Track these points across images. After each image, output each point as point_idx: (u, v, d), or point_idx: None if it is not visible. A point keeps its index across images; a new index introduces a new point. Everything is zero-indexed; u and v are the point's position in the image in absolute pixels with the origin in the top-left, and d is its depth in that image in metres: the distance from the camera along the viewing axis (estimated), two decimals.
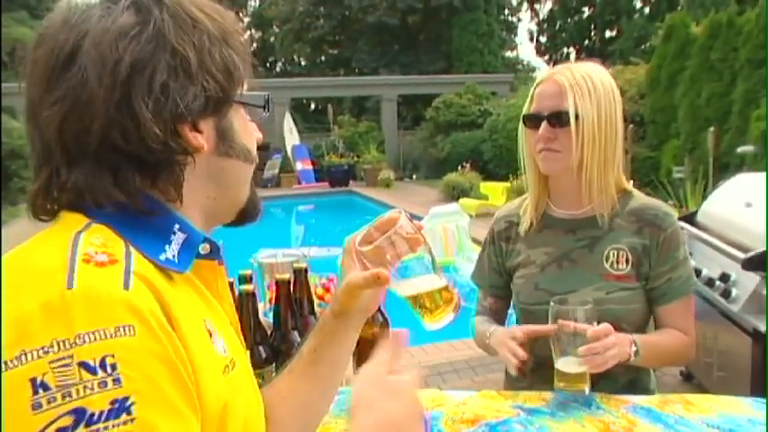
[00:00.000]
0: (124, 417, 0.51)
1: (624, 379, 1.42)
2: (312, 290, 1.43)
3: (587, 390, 1.25)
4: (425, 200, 11.35)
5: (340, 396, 1.32)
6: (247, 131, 0.74)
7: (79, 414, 0.49)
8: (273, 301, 1.33)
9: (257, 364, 1.21)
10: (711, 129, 6.74)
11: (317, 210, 13.40)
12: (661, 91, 8.92)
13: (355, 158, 14.97)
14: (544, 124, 1.36)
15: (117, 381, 0.51)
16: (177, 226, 0.66)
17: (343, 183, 14.58)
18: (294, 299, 1.30)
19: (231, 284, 1.33)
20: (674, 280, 1.41)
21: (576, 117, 1.33)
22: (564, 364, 1.23)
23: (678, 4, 19.06)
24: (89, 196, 0.62)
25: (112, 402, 0.50)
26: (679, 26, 8.73)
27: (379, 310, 1.29)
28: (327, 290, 2.19)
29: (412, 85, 17.59)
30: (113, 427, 0.50)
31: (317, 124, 19.15)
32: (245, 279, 1.27)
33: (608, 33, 23.23)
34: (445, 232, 6.11)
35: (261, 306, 1.76)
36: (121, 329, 0.53)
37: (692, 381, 3.26)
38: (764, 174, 3.19)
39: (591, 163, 1.35)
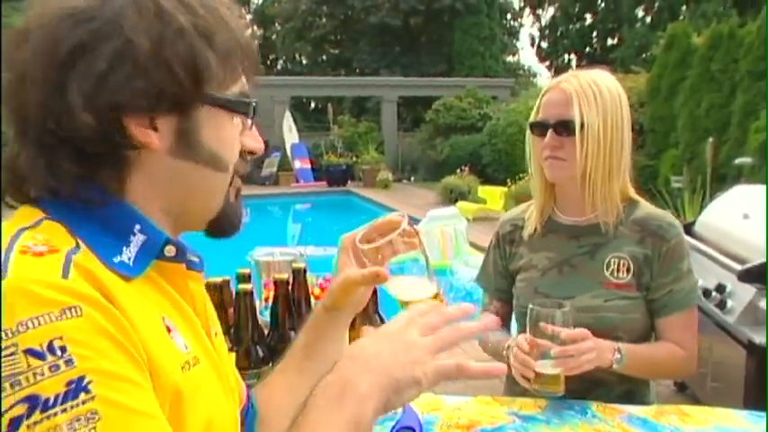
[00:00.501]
0: (83, 396, 0.50)
1: (620, 389, 1.42)
2: (309, 289, 1.42)
3: (561, 391, 1.25)
4: (423, 202, 11.35)
5: None
6: (221, 137, 0.68)
7: (32, 401, 0.49)
8: (271, 301, 1.32)
9: (254, 363, 1.20)
10: (710, 139, 6.77)
11: (315, 209, 13.40)
12: (661, 100, 8.94)
13: (354, 159, 14.97)
14: (550, 132, 1.37)
15: (69, 362, 0.50)
16: (138, 227, 0.64)
17: (342, 182, 14.58)
18: (292, 299, 1.29)
19: (227, 282, 1.32)
20: (675, 292, 1.39)
21: (582, 126, 1.33)
22: (541, 365, 1.23)
23: (680, 14, 19.15)
24: (29, 181, 0.62)
25: (68, 384, 0.50)
26: (680, 36, 8.76)
27: (377, 312, 1.29)
28: (324, 290, 2.18)
29: (412, 87, 17.60)
30: (73, 408, 0.49)
31: (316, 123, 19.14)
32: (243, 278, 1.27)
33: (609, 41, 23.30)
34: (443, 235, 6.11)
35: (257, 304, 1.76)
36: (67, 311, 0.52)
37: (686, 391, 3.27)
38: (763, 186, 3.20)
39: (595, 171, 1.35)
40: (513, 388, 1.53)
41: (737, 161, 6.50)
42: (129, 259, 0.62)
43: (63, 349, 0.50)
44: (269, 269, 2.13)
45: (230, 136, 0.69)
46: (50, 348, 0.50)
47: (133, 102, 0.60)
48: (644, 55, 18.34)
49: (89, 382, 0.50)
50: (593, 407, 1.28)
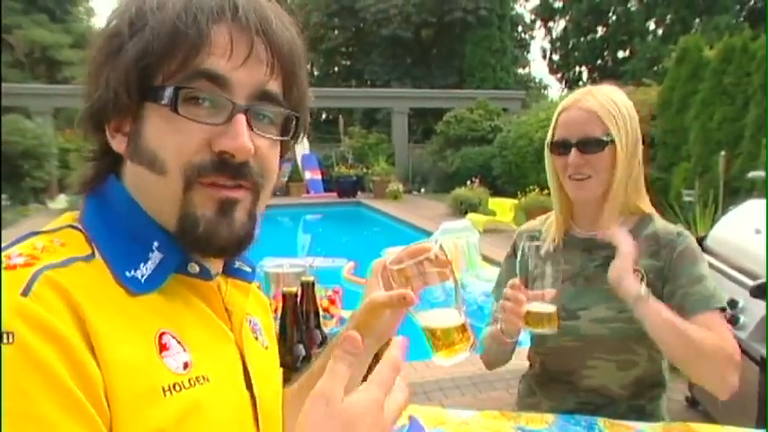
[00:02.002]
0: None
1: (632, 404, 1.42)
2: (318, 302, 1.43)
3: (555, 329, 1.24)
4: (433, 213, 11.35)
5: None
6: (165, 134, 0.63)
7: None
8: (280, 313, 1.33)
9: None
10: (723, 153, 6.73)
11: (325, 220, 13.43)
12: (673, 113, 8.91)
13: (364, 170, 15.01)
14: (573, 151, 1.36)
15: None
16: (156, 243, 0.64)
17: (352, 194, 14.62)
18: (300, 312, 1.30)
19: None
20: (690, 294, 1.33)
21: (608, 142, 1.34)
22: (534, 305, 1.23)
23: (692, 26, 19.10)
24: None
25: None
26: (692, 49, 8.73)
27: None
28: (333, 302, 2.19)
29: (423, 99, 17.66)
30: None
31: (327, 134, 19.23)
32: None
33: (621, 54, 23.27)
34: (456, 248, 6.09)
35: None
36: (3, 336, 0.51)
37: (698, 407, 3.23)
38: None
39: (618, 186, 1.37)
40: (525, 401, 1.53)
41: (750, 175, 6.45)
42: (143, 276, 0.63)
43: None
44: (278, 281, 2.15)
45: (172, 132, 0.62)
46: None
47: (98, 108, 0.64)
48: (655, 68, 18.30)
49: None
50: (600, 423, 1.28)
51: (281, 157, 0.72)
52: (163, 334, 0.62)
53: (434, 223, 9.72)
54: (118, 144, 0.65)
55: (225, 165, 0.63)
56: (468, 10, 20.04)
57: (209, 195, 0.63)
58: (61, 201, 11.98)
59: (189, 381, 0.62)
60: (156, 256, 0.64)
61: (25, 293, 0.53)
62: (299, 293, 1.32)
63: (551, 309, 1.23)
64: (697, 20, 19.92)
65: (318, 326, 1.35)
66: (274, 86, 0.66)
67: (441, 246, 0.83)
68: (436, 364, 0.85)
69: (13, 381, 0.50)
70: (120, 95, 0.62)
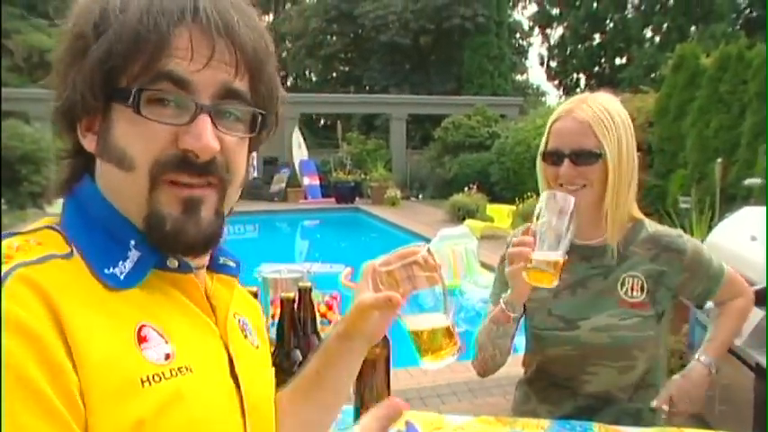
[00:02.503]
0: None
1: (630, 408, 1.43)
2: (315, 307, 1.44)
3: (553, 282, 1.20)
4: (431, 219, 11.36)
5: (340, 416, 1.33)
6: (132, 133, 0.64)
7: None
8: (277, 318, 1.34)
9: None
10: (719, 160, 6.75)
11: (323, 225, 13.44)
12: (669, 120, 8.94)
13: (362, 176, 15.03)
14: (566, 162, 1.36)
15: None
16: (133, 242, 0.66)
17: (350, 199, 14.63)
18: (298, 317, 1.31)
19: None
20: (711, 277, 1.48)
21: (601, 155, 1.34)
22: (539, 254, 1.19)
23: (688, 34, 19.20)
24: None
25: None
26: (689, 57, 8.78)
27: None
28: (330, 307, 2.20)
29: (421, 105, 17.70)
30: None
31: (325, 140, 19.28)
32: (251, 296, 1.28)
33: (618, 61, 23.36)
34: (454, 255, 6.10)
35: (264, 320, 1.77)
36: None
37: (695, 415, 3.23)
38: None
39: (610, 197, 1.37)
40: (521, 407, 1.54)
41: (746, 182, 6.47)
42: (122, 273, 0.65)
43: None
44: (276, 286, 2.15)
45: (139, 132, 0.64)
46: None
47: (68, 107, 0.65)
48: (652, 75, 18.37)
49: None
50: (595, 428, 1.29)
51: (250, 152, 0.75)
52: (143, 327, 0.64)
53: (432, 229, 9.73)
54: (89, 143, 0.67)
55: (189, 163, 0.65)
56: (466, 17, 20.11)
57: (174, 194, 0.65)
58: (59, 205, 11.94)
59: (170, 371, 0.63)
60: (133, 254, 0.65)
61: None
62: (297, 299, 1.33)
63: (557, 257, 1.18)
64: (693, 28, 20.03)
65: (315, 331, 1.36)
66: (240, 85, 0.68)
67: (429, 249, 0.83)
68: (423, 368, 0.86)
69: None
70: (86, 97, 0.64)
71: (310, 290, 1.34)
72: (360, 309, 0.83)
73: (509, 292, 1.36)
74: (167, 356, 0.64)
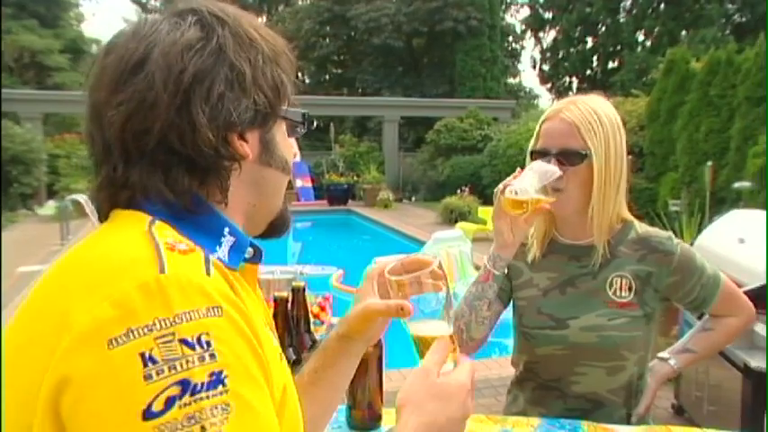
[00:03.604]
0: (220, 388, 0.55)
1: (622, 412, 1.44)
2: (308, 307, 1.45)
3: (524, 213, 1.32)
4: (423, 222, 11.39)
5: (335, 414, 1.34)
6: (286, 144, 0.78)
7: (185, 384, 0.54)
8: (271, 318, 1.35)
9: None
10: (709, 163, 6.82)
11: (315, 227, 13.43)
12: (660, 124, 9.02)
13: (355, 178, 15.04)
14: (553, 161, 1.37)
15: (213, 356, 0.56)
16: (227, 229, 0.70)
17: (342, 201, 14.63)
18: (291, 316, 1.32)
19: None
20: (705, 285, 1.45)
21: (586, 156, 1.35)
22: (518, 183, 1.31)
23: (679, 39, 19.36)
24: (141, 193, 0.67)
25: (210, 375, 0.55)
26: (679, 61, 8.86)
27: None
28: (323, 308, 2.21)
29: (414, 108, 17.74)
30: (211, 396, 0.55)
31: (318, 142, 19.26)
32: None
33: (610, 64, 23.51)
34: (448, 257, 6.11)
35: None
36: (212, 310, 0.58)
37: (684, 415, 3.27)
38: (759, 211, 3.24)
39: (596, 199, 1.38)
40: (512, 407, 1.55)
41: (736, 185, 6.55)
42: (224, 256, 0.69)
43: (209, 344, 0.56)
44: (269, 287, 2.16)
45: (289, 143, 0.79)
46: (199, 341, 0.56)
47: (241, 119, 0.69)
48: (644, 79, 18.51)
49: (225, 377, 0.56)
50: (584, 426, 1.30)
51: None
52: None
53: (424, 232, 9.75)
54: (246, 150, 0.71)
55: None
56: (458, 20, 20.19)
57: None
58: (50, 207, 11.89)
59: (279, 354, 0.73)
60: (228, 240, 0.70)
61: (208, 274, 0.61)
62: (290, 298, 1.34)
63: (534, 195, 1.30)
64: (684, 32, 20.20)
65: (309, 330, 1.37)
66: None
67: (440, 262, 0.85)
68: None
69: (229, 345, 0.58)
70: (271, 106, 0.72)
71: (304, 289, 1.35)
72: (366, 313, 0.86)
73: (493, 246, 1.40)
74: (274, 341, 0.72)
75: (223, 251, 0.69)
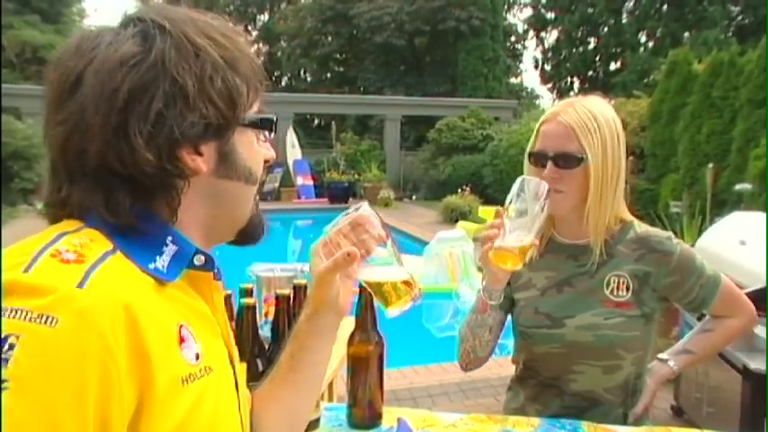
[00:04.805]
0: None
1: (619, 411, 1.44)
2: None
3: (517, 266, 1.24)
4: (424, 221, 11.38)
5: (331, 412, 1.34)
6: (252, 152, 0.74)
7: None
8: (273, 315, 1.35)
9: (254, 376, 1.22)
10: (710, 165, 6.82)
11: (316, 225, 13.40)
12: (662, 125, 9.01)
13: (356, 176, 15.03)
14: (549, 164, 1.38)
15: (5, 361, 0.51)
16: (170, 238, 0.68)
17: (343, 200, 14.61)
18: (293, 313, 1.32)
19: (229, 297, 1.35)
20: (704, 285, 1.45)
21: (582, 159, 1.35)
22: (508, 237, 1.21)
23: (682, 40, 19.33)
24: (78, 213, 0.65)
25: None
26: (682, 63, 8.85)
27: (375, 328, 1.31)
28: None
29: (416, 107, 17.72)
30: None
31: (319, 140, 19.25)
32: (246, 292, 1.29)
33: (612, 65, 23.47)
34: (451, 257, 6.10)
35: (258, 318, 1.78)
36: (44, 318, 0.53)
37: (683, 416, 3.27)
38: (760, 213, 3.24)
39: (593, 201, 1.38)
40: (511, 406, 1.56)
41: (737, 187, 6.54)
42: (163, 266, 0.66)
43: (11, 347, 0.52)
44: (269, 284, 2.15)
45: (257, 150, 0.76)
46: (3, 341, 0.52)
47: (186, 135, 0.65)
48: (646, 80, 18.47)
49: (3, 389, 0.51)
50: (585, 426, 1.30)
51: None
52: (181, 326, 0.66)
53: (425, 231, 9.75)
54: (199, 165, 0.68)
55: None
56: (461, 19, 20.16)
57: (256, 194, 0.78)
58: None
59: (200, 371, 0.67)
60: (170, 249, 0.68)
61: (80, 286, 0.57)
62: (292, 296, 1.34)
63: (522, 242, 1.21)
64: (686, 34, 20.17)
65: None
66: None
67: (367, 206, 0.89)
68: (388, 316, 0.92)
69: (39, 361, 0.52)
70: (225, 117, 0.68)
71: (305, 287, 1.35)
72: (321, 278, 0.86)
73: (485, 280, 1.39)
74: (197, 356, 0.67)
75: (162, 261, 0.66)
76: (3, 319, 0.53)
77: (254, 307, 1.25)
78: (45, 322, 0.53)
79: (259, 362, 1.24)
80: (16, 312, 0.53)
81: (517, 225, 1.22)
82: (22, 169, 12.22)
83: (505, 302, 1.54)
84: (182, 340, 0.65)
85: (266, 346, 1.30)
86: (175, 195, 0.67)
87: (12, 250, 0.60)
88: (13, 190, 12.15)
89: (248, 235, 0.78)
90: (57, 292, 0.55)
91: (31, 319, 0.53)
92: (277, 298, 1.30)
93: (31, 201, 12.67)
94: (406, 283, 0.90)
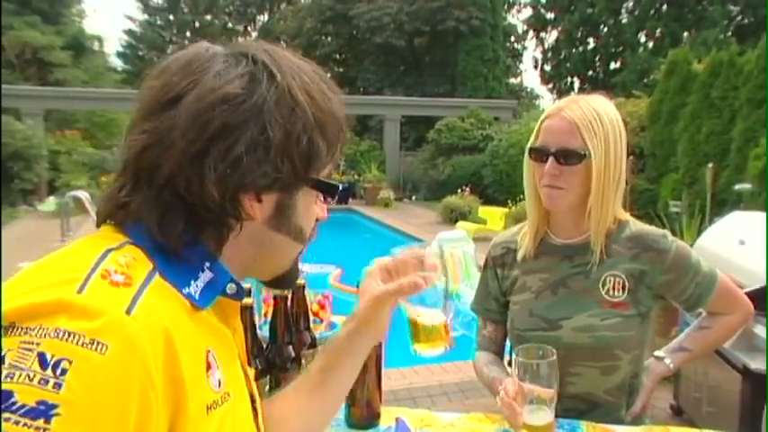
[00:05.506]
0: (40, 422, 0.49)
1: (618, 414, 1.43)
2: (308, 305, 1.45)
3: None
4: (424, 221, 11.39)
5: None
6: (309, 212, 0.75)
7: (6, 395, 0.49)
8: (271, 315, 1.35)
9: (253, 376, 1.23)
10: (710, 165, 6.82)
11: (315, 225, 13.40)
12: (662, 125, 9.02)
13: (356, 177, 15.05)
14: (551, 160, 1.36)
15: (58, 385, 0.51)
16: (207, 264, 0.68)
17: (343, 200, 14.64)
18: (291, 314, 1.32)
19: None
20: (700, 283, 1.44)
21: (585, 156, 1.34)
22: (529, 415, 1.17)
23: (681, 40, 19.35)
24: (132, 222, 0.66)
25: (38, 402, 0.50)
26: (681, 62, 8.86)
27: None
28: (322, 307, 2.21)
29: (415, 107, 17.73)
30: (24, 425, 0.49)
31: None
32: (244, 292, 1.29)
33: (612, 65, 23.48)
34: (452, 258, 6.09)
35: (257, 319, 1.78)
36: (96, 344, 0.53)
37: (682, 416, 3.27)
38: (759, 213, 3.24)
39: (594, 199, 1.37)
40: None
41: (737, 187, 6.54)
42: (196, 292, 0.67)
43: (64, 372, 0.51)
44: None
45: (314, 211, 0.76)
46: (56, 365, 0.51)
47: (255, 183, 0.66)
48: (646, 80, 18.48)
49: (55, 414, 0.50)
50: (583, 426, 1.30)
51: None
52: (209, 352, 0.66)
53: (424, 231, 9.77)
54: (255, 212, 0.68)
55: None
56: (461, 19, 20.18)
57: None
58: (50, 203, 11.88)
59: (221, 398, 0.67)
60: (206, 276, 0.68)
61: (128, 312, 0.57)
62: (290, 296, 1.34)
63: (547, 421, 1.17)
64: (686, 34, 20.18)
65: (308, 328, 1.37)
66: None
67: (440, 248, 0.90)
68: (413, 352, 0.92)
69: (90, 387, 0.52)
70: (298, 175, 0.69)
71: (303, 287, 1.35)
72: (378, 298, 0.86)
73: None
74: (219, 383, 0.67)
75: (196, 286, 0.66)
76: (56, 340, 0.52)
77: (251, 307, 1.25)
78: (97, 349, 0.53)
79: (257, 362, 1.24)
80: (70, 336, 0.52)
81: (533, 401, 1.18)
82: (21, 170, 12.23)
83: (503, 315, 1.55)
84: (208, 366, 0.65)
85: (264, 347, 1.30)
86: (225, 233, 0.68)
87: (60, 264, 0.60)
88: (13, 190, 12.16)
89: (280, 282, 0.80)
90: (107, 317, 0.55)
91: (83, 344, 0.52)
92: (275, 298, 1.30)
93: (31, 201, 12.67)
94: (444, 331, 0.91)
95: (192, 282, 0.67)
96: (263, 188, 0.67)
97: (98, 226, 0.70)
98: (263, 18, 28.33)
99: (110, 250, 0.63)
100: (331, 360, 0.89)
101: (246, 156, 0.64)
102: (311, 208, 0.75)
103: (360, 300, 0.89)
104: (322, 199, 0.77)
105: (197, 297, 0.66)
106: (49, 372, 0.51)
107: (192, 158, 0.64)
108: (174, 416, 0.59)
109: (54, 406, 0.50)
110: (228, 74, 0.65)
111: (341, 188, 0.77)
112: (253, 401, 0.78)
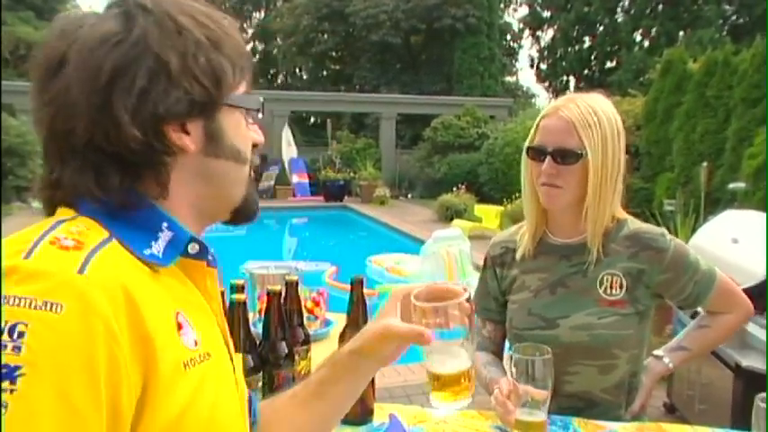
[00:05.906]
0: (6, 384, 0.51)
1: (614, 413, 1.43)
2: (302, 301, 1.45)
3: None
4: (419, 219, 11.39)
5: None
6: (239, 133, 0.74)
7: None
8: (264, 312, 1.35)
9: (245, 372, 1.22)
10: (704, 164, 6.85)
11: (311, 223, 13.42)
12: (657, 124, 9.04)
13: (352, 174, 15.03)
14: (548, 159, 1.36)
15: (17, 348, 0.52)
16: (165, 224, 0.69)
17: (339, 198, 14.62)
18: (284, 310, 1.32)
19: (222, 293, 1.35)
20: (699, 282, 1.44)
21: (582, 155, 1.34)
22: (521, 412, 1.18)
23: (677, 39, 19.39)
24: (72, 194, 0.66)
25: (4, 366, 0.51)
26: (676, 62, 8.88)
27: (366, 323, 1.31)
28: (317, 303, 2.21)
29: (411, 105, 17.72)
30: None
31: (315, 138, 19.24)
32: (237, 288, 1.29)
33: (608, 64, 23.51)
34: (448, 256, 6.09)
35: (251, 315, 1.78)
36: (48, 305, 0.54)
37: (675, 413, 3.28)
38: (753, 211, 3.25)
39: (592, 198, 1.37)
40: None
41: (731, 186, 6.56)
42: (159, 252, 0.67)
43: (21, 335, 0.53)
44: (263, 282, 2.16)
45: (245, 131, 0.76)
46: (11, 329, 0.53)
47: (171, 111, 0.66)
48: (641, 78, 18.53)
49: (20, 375, 0.52)
50: (575, 422, 1.31)
51: None
52: (178, 313, 0.67)
53: (420, 229, 9.76)
54: (185, 142, 0.68)
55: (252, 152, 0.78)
56: (457, 17, 20.17)
57: (250, 175, 0.78)
58: None
59: (199, 356, 0.68)
60: (165, 235, 0.69)
61: (81, 271, 0.57)
62: (283, 292, 1.34)
63: (540, 418, 1.16)
64: (681, 33, 20.22)
65: (302, 324, 1.37)
66: None
67: (470, 294, 0.83)
68: (432, 404, 0.86)
69: (49, 346, 0.53)
70: (210, 95, 0.69)
71: (297, 283, 1.35)
72: (385, 333, 0.84)
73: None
74: (195, 342, 0.68)
75: (158, 246, 0.67)
76: (6, 306, 0.53)
77: (244, 303, 1.25)
78: (50, 309, 0.54)
79: (250, 358, 1.24)
80: (20, 300, 0.54)
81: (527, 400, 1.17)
82: (15, 166, 12.16)
83: (502, 314, 1.55)
84: (179, 327, 0.66)
85: (257, 343, 1.30)
86: (164, 172, 0.68)
87: (11, 240, 0.61)
88: (7, 187, 12.09)
89: (241, 214, 0.78)
90: (57, 277, 0.56)
91: (36, 306, 0.54)
92: (268, 294, 1.30)
93: (25, 198, 12.61)
94: (467, 378, 0.84)
95: (153, 242, 0.67)
96: (181, 115, 0.67)
97: (47, 216, 0.70)
98: (260, 15, 28.23)
99: (61, 221, 0.64)
100: (331, 375, 0.87)
101: (151, 87, 0.64)
102: (241, 129, 0.75)
103: (375, 319, 0.87)
104: (251, 121, 0.77)
105: (161, 257, 0.67)
106: (5, 336, 0.52)
107: (99, 108, 0.63)
108: (146, 373, 0.59)
109: (17, 367, 0.51)
110: (103, 22, 0.66)
111: (261, 100, 0.76)
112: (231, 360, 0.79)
